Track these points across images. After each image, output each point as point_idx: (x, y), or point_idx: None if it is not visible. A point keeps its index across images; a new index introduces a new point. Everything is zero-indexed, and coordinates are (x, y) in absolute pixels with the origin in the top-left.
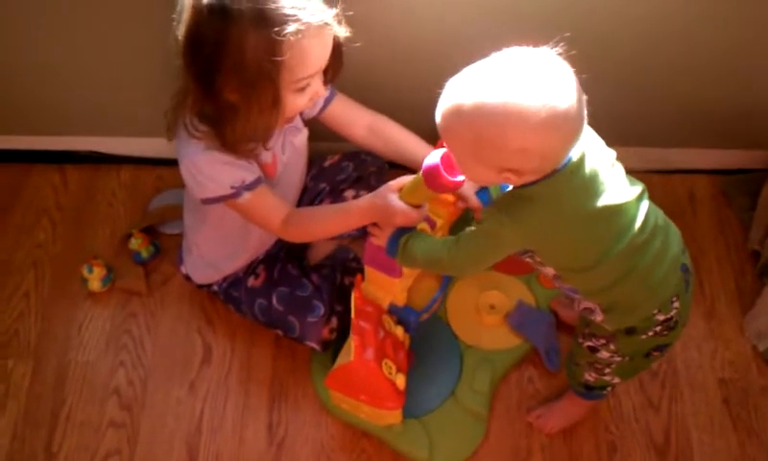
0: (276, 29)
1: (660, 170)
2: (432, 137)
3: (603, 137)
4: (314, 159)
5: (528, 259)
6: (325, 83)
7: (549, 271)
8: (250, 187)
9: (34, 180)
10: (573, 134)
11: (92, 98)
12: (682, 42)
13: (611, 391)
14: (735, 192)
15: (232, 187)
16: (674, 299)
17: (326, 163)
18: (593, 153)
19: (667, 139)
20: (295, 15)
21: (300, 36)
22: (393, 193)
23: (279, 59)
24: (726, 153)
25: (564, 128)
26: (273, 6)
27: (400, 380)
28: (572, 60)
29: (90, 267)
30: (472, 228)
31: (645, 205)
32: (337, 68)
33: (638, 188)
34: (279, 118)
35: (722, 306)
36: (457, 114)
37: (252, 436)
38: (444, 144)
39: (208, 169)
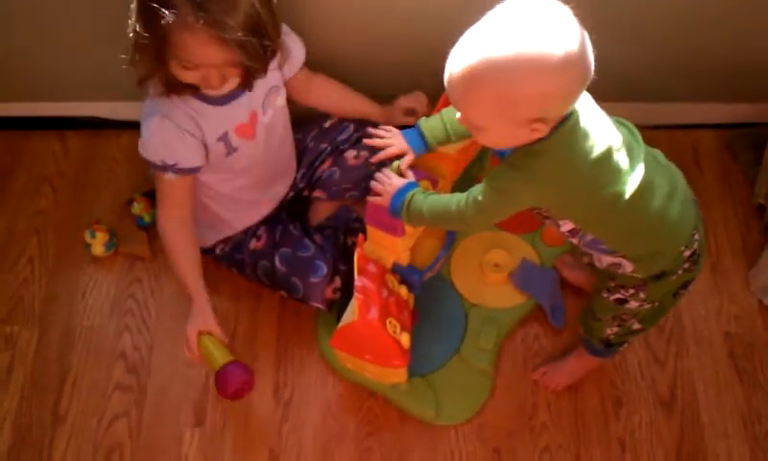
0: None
1: (665, 125)
2: None
3: (606, 93)
4: (314, 120)
5: (544, 217)
6: (242, 84)
7: (567, 225)
8: (178, 171)
9: (33, 146)
10: (586, 74)
11: (91, 63)
12: None
13: (626, 346)
14: (741, 146)
15: (162, 161)
16: (694, 231)
17: (327, 124)
18: (583, 99)
19: (671, 94)
20: (177, 9)
21: (176, 26)
22: None
23: (162, 31)
24: (730, 106)
25: (579, 66)
26: None
27: (405, 339)
28: (575, 15)
29: (93, 232)
30: (483, 184)
31: (642, 146)
32: (248, 76)
33: (631, 130)
34: (168, 77)
35: (727, 261)
36: (473, 78)
37: (259, 397)
38: (462, 113)
39: (156, 133)
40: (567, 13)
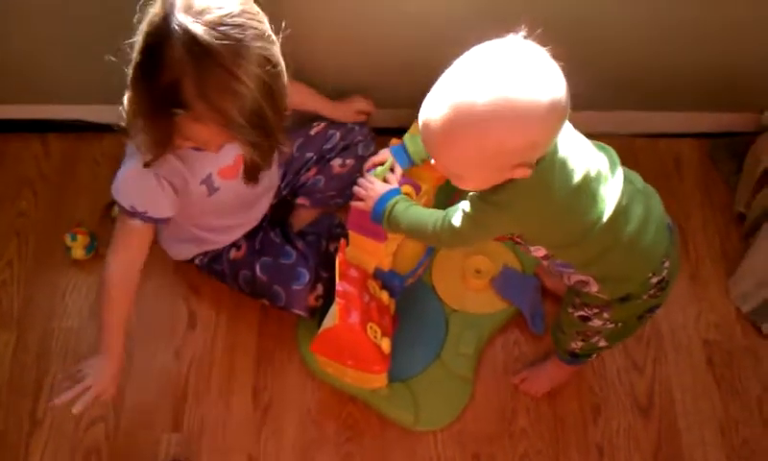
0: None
1: (646, 134)
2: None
3: (588, 102)
4: (299, 127)
5: (516, 242)
6: (247, 177)
7: (539, 252)
8: (146, 219)
9: (15, 149)
10: (567, 111)
11: (74, 65)
12: (664, 4)
13: (595, 357)
14: (721, 155)
15: (132, 207)
16: (664, 259)
17: (312, 131)
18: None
19: (652, 103)
20: (195, 106)
21: (191, 119)
22: None
23: (171, 122)
24: (711, 116)
25: (561, 110)
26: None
27: (386, 344)
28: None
29: (74, 235)
30: (460, 211)
31: (620, 170)
32: (256, 169)
33: (610, 154)
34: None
35: (707, 269)
36: (452, 130)
37: (238, 402)
38: (438, 161)
39: (133, 180)
40: (543, 54)
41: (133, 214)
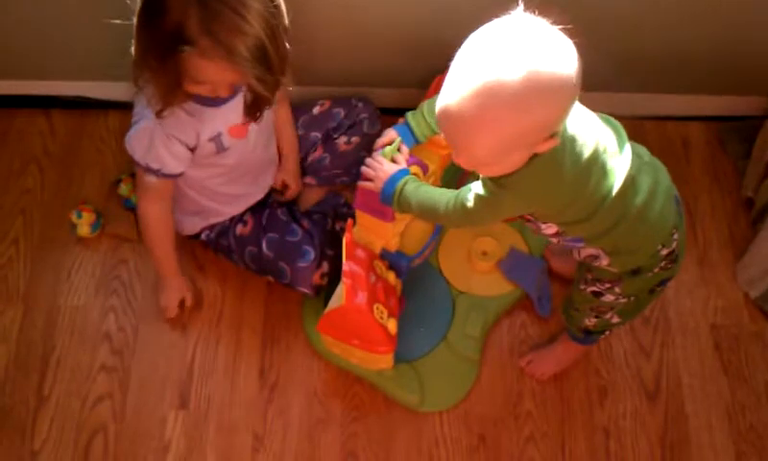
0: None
1: (654, 116)
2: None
3: (596, 84)
4: (301, 105)
5: (527, 220)
6: (249, 115)
7: (551, 229)
8: (160, 176)
9: (20, 125)
10: (580, 82)
11: (79, 41)
12: None
13: (608, 334)
14: (730, 139)
15: (146, 165)
16: (674, 231)
17: (316, 110)
18: None
19: (661, 85)
20: (201, 41)
21: (191, 53)
22: None
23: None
24: (721, 99)
25: (579, 77)
26: (198, 17)
27: (392, 325)
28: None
29: (79, 213)
30: (472, 189)
31: (627, 143)
32: (259, 105)
33: (616, 127)
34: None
35: (715, 253)
36: (488, 113)
37: (244, 380)
38: (465, 154)
39: (144, 138)
40: (549, 25)
41: (148, 171)
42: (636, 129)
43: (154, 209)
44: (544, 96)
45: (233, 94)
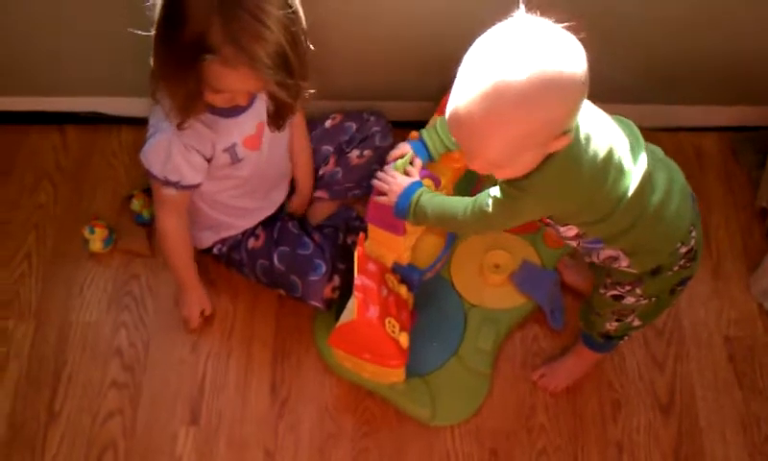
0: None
1: (667, 128)
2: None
3: (609, 95)
4: (313, 119)
5: (547, 221)
6: (272, 124)
7: (570, 231)
8: (179, 187)
9: (33, 141)
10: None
11: (92, 58)
12: None
13: (626, 340)
14: (744, 150)
15: (165, 178)
16: (691, 228)
17: (328, 124)
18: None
19: (674, 96)
20: (224, 50)
21: (213, 61)
22: None
23: (199, 68)
24: (734, 109)
25: (587, 73)
26: (222, 26)
27: (404, 339)
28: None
29: (92, 228)
30: (490, 194)
31: (642, 141)
32: (282, 113)
33: (629, 126)
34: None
35: (728, 264)
36: (498, 114)
37: (255, 396)
38: (479, 158)
39: (162, 151)
40: (553, 25)
41: (166, 184)
42: (648, 140)
43: (172, 224)
44: (551, 93)
45: (249, 104)
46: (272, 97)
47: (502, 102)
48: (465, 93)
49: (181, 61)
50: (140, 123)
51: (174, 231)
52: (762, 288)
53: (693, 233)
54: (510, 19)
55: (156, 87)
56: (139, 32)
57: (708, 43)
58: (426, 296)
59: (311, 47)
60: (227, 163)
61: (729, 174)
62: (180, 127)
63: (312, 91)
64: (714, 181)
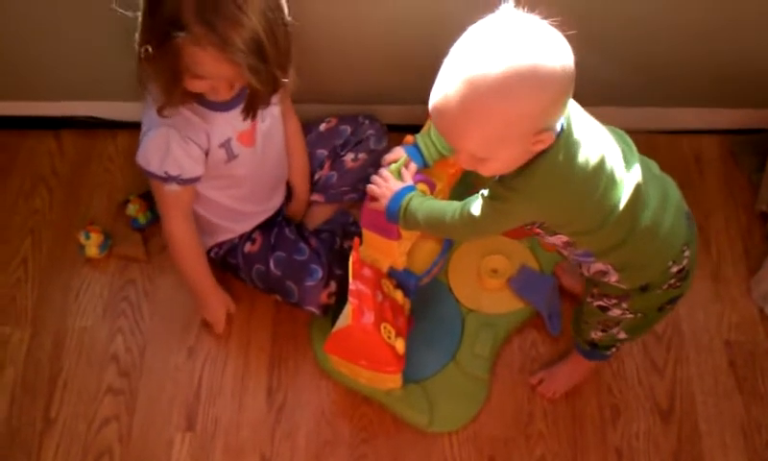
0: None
1: (667, 130)
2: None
3: (608, 98)
4: (309, 124)
5: (537, 230)
6: (246, 110)
7: (560, 240)
8: (181, 182)
9: (29, 146)
10: (574, 74)
11: (88, 62)
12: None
13: (615, 352)
14: (744, 152)
15: (166, 173)
16: (684, 247)
17: (323, 128)
18: (573, 109)
19: (673, 99)
20: (194, 29)
21: (187, 42)
22: None
23: (175, 49)
24: (734, 112)
25: (570, 69)
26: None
27: (400, 345)
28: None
29: (87, 233)
30: (480, 197)
31: (636, 154)
32: (254, 101)
33: (624, 138)
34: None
35: (729, 268)
36: (473, 106)
37: (252, 401)
38: (462, 151)
39: (160, 145)
40: (539, 20)
41: (168, 180)
42: (648, 143)
43: (180, 227)
44: (527, 84)
45: (237, 97)
46: (248, 86)
47: (477, 93)
48: (444, 85)
49: (158, 39)
50: (136, 127)
51: (183, 235)
52: (763, 292)
53: (686, 253)
54: (495, 13)
55: (141, 71)
56: (135, 35)
57: (707, 46)
58: (424, 301)
59: (292, 32)
60: (223, 160)
61: (728, 177)
62: (161, 112)
63: (286, 80)
64: (714, 185)
